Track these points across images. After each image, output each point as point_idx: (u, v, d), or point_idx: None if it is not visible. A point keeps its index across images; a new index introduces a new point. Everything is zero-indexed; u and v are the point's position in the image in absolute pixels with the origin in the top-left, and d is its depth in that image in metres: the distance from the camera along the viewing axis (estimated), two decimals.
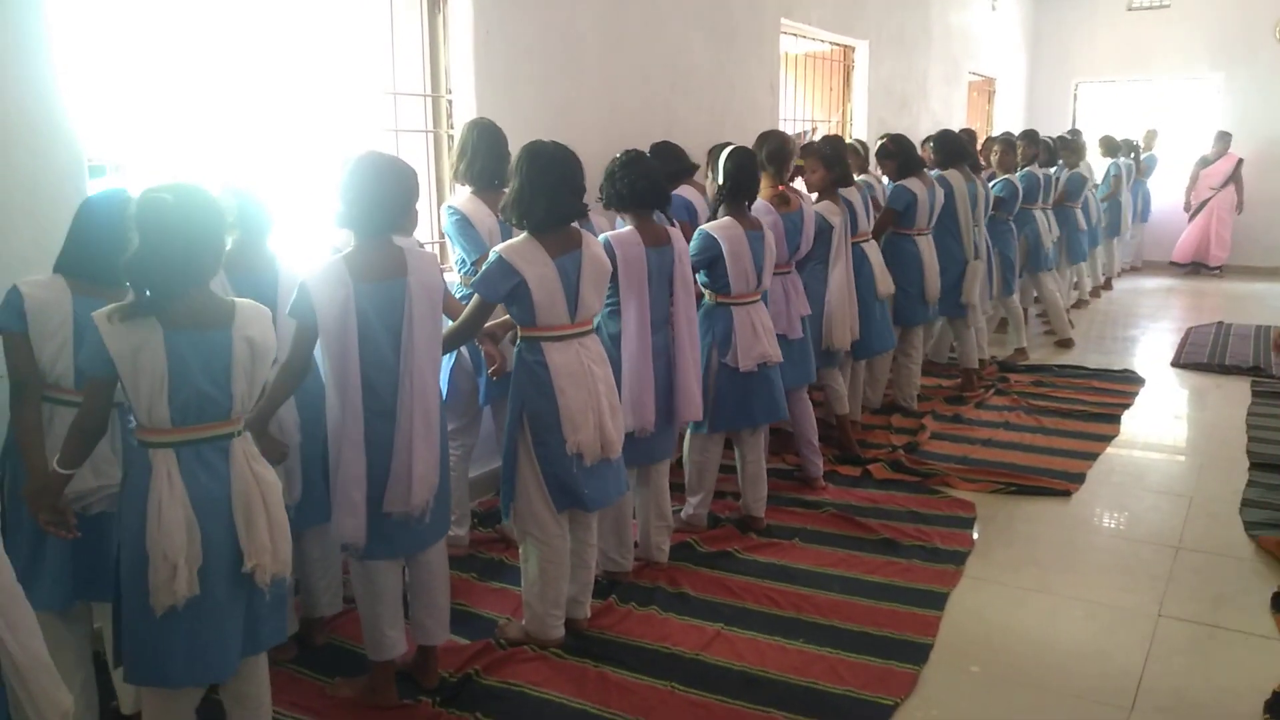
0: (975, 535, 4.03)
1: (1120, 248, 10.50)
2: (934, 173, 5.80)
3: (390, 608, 2.78)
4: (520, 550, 3.15)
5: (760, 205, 4.06)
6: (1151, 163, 11.04)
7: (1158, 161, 11.11)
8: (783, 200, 4.22)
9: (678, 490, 4.02)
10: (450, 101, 4.38)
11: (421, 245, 2.94)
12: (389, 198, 2.61)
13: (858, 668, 3.00)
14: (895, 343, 5.46)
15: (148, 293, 2.07)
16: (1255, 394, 6.09)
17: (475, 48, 4.27)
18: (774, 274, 4.08)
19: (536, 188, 2.89)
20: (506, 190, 3.02)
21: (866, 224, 5.13)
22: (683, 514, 4.05)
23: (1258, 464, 4.80)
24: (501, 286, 2.87)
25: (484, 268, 2.92)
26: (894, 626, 3.25)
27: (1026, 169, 7.27)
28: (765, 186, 4.13)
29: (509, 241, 2.94)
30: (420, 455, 2.63)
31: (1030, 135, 7.59)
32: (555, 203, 2.90)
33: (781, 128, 6.83)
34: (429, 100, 4.39)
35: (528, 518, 3.05)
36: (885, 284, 5.13)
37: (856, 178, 5.29)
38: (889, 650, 3.10)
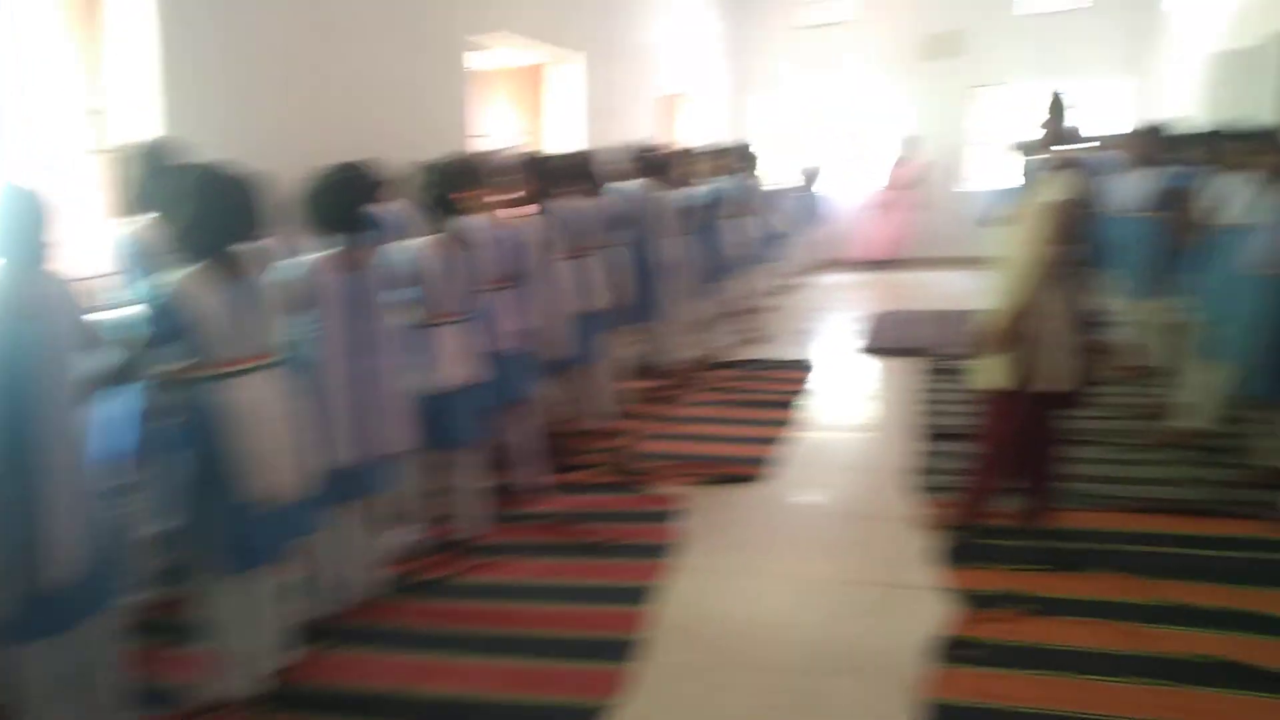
0: (681, 527, 4.19)
1: (793, 250, 11.12)
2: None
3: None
4: (207, 605, 2.92)
5: (477, 222, 4.06)
6: (815, 171, 12.01)
7: (821, 168, 12.12)
8: (498, 213, 4.24)
9: (395, 519, 3.89)
10: (120, 118, 4.07)
11: (84, 278, 2.70)
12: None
13: (565, 675, 3.02)
14: (607, 354, 5.57)
15: None
16: (931, 371, 6.77)
17: (162, 63, 4.08)
18: (490, 289, 4.10)
19: (195, 215, 2.72)
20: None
21: (601, 237, 5.20)
22: (396, 543, 3.92)
23: (934, 435, 5.30)
24: (164, 321, 2.68)
25: (148, 301, 2.73)
26: (604, 627, 3.31)
27: (715, 180, 7.71)
28: (476, 201, 4.12)
29: (174, 273, 2.74)
30: (68, 515, 2.37)
31: (721, 148, 8.05)
32: (213, 229, 2.74)
33: (476, 143, 6.82)
34: (95, 117, 4.07)
35: (209, 569, 2.84)
36: (600, 297, 5.22)
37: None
38: (598, 651, 3.15)
